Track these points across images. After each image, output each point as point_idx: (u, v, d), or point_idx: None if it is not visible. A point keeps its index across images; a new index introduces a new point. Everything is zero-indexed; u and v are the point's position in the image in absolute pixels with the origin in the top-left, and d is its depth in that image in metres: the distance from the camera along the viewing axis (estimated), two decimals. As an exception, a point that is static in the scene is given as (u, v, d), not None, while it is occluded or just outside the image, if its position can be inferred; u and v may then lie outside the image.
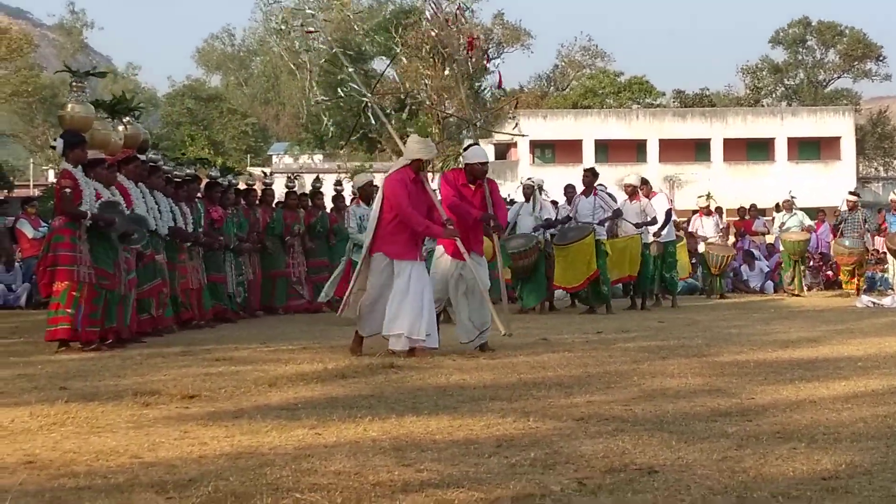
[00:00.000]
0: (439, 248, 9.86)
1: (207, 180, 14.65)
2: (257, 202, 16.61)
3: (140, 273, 11.19)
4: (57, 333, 9.88)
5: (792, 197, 21.84)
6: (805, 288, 20.62)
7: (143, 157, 11.98)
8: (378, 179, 14.45)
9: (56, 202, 10.21)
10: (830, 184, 49.79)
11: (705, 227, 20.63)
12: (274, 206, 16.96)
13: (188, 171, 13.87)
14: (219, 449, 5.04)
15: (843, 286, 20.18)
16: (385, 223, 9.25)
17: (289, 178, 17.72)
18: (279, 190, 17.95)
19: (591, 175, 15.91)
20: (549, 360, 8.71)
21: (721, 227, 21.47)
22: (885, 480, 4.34)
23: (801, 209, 21.71)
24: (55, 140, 10.33)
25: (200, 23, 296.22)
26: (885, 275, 19.88)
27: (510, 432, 5.43)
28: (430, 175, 10.86)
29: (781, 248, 20.91)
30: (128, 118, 12.03)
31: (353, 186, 15.25)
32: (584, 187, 15.84)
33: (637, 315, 15.23)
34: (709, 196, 21.89)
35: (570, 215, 15.79)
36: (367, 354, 9.05)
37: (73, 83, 11.15)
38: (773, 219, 22.46)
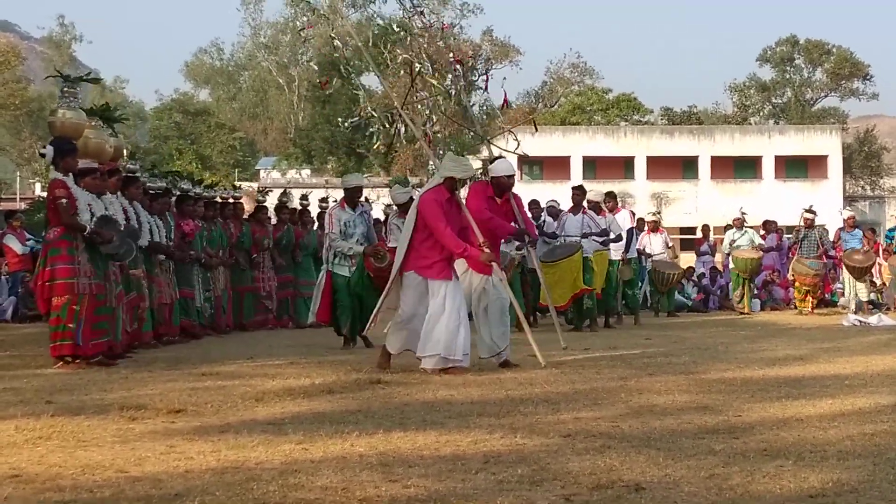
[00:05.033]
0: (462, 264, 9.65)
1: (179, 193, 14.29)
2: (227, 217, 16.18)
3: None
4: (61, 349, 9.52)
5: (743, 214, 21.82)
6: (753, 307, 20.39)
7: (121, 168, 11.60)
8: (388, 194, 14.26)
9: (51, 214, 9.78)
10: (817, 202, 49.80)
11: (653, 245, 20.48)
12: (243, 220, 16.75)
13: (161, 183, 13.53)
14: (205, 464, 5.03)
15: (798, 304, 20.09)
16: (418, 242, 9.13)
17: (283, 193, 17.69)
18: (272, 205, 17.87)
19: (580, 193, 16.00)
20: (537, 376, 8.70)
21: (670, 244, 21.49)
22: (872, 498, 4.35)
23: (787, 227, 21.65)
24: (44, 147, 9.85)
25: (189, 37, 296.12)
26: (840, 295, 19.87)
27: (497, 448, 5.43)
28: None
29: (732, 265, 20.83)
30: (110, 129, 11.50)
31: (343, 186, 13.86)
32: (572, 205, 15.89)
33: (625, 332, 15.22)
34: (658, 213, 21.96)
35: (557, 232, 15.79)
36: (355, 370, 9.04)
37: (65, 88, 10.54)
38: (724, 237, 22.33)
